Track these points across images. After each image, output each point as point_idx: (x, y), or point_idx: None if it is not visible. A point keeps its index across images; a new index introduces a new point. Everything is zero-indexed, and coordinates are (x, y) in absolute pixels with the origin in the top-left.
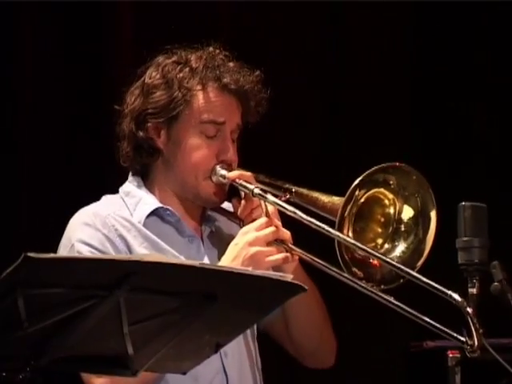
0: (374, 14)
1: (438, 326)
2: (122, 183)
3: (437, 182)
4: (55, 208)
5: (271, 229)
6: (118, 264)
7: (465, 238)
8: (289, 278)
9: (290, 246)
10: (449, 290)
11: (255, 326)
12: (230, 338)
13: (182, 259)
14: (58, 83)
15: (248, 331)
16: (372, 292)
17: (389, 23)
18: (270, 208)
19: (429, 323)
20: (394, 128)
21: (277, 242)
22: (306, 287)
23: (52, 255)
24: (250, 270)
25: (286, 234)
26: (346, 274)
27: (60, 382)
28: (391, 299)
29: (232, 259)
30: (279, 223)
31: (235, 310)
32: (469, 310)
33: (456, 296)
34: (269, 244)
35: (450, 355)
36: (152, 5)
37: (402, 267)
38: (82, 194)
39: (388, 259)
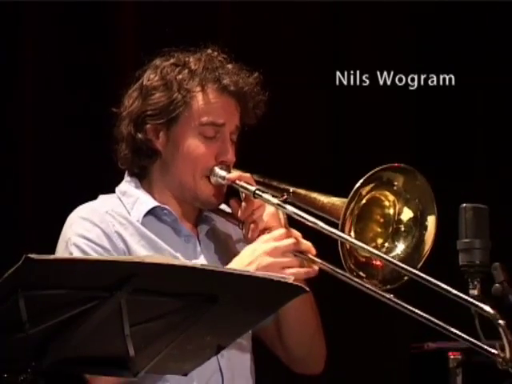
0: (374, 14)
1: (468, 338)
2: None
3: (438, 184)
4: (56, 208)
5: (290, 240)
6: (119, 265)
7: (466, 240)
8: (290, 279)
9: (311, 256)
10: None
11: None
12: (231, 340)
13: (181, 259)
14: (59, 83)
15: None
16: (401, 305)
17: (389, 23)
18: (272, 209)
19: (459, 335)
20: (395, 129)
21: (297, 253)
22: (308, 289)
23: (53, 257)
24: (251, 271)
25: (306, 245)
26: (370, 286)
27: (61, 383)
28: (422, 313)
29: (247, 264)
30: (298, 234)
31: (236, 311)
32: (501, 322)
33: (488, 308)
34: (287, 255)
35: (451, 357)
36: (154, 5)
37: (437, 282)
38: (82, 193)
39: (417, 271)
